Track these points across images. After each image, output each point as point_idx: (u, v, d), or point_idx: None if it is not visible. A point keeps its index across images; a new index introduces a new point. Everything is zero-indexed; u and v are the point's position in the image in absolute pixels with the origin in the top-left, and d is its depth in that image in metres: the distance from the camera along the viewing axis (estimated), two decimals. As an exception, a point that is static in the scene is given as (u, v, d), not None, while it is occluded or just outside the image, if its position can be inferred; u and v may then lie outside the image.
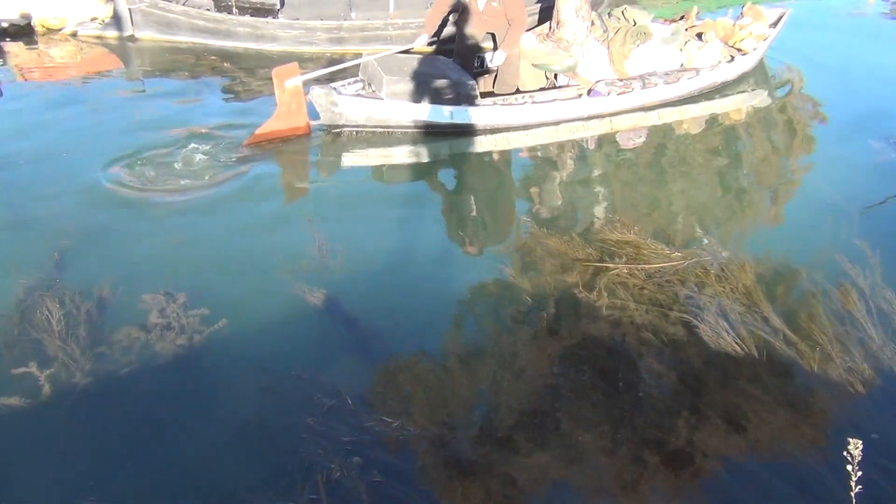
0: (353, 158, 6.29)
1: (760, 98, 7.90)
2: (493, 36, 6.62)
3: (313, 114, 6.38)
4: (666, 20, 7.73)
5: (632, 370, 3.85)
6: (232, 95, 7.42)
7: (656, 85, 7.08)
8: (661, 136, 6.94)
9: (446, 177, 6.19)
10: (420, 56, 6.78)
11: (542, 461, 3.30)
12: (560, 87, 7.04)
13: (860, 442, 2.27)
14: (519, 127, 6.73)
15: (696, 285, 4.47)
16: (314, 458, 3.22)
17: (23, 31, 8.56)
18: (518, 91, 6.85)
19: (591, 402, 3.65)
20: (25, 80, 7.56)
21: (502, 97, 6.70)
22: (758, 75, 8.27)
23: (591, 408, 3.61)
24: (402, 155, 6.39)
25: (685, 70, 7.30)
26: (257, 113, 6.67)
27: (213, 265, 4.59)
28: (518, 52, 6.71)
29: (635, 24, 7.19)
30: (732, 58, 7.59)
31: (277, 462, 3.22)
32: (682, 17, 7.88)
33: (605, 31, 7.16)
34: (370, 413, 3.47)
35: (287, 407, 3.51)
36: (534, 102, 6.70)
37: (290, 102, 6.21)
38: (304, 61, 8.18)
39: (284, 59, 8.01)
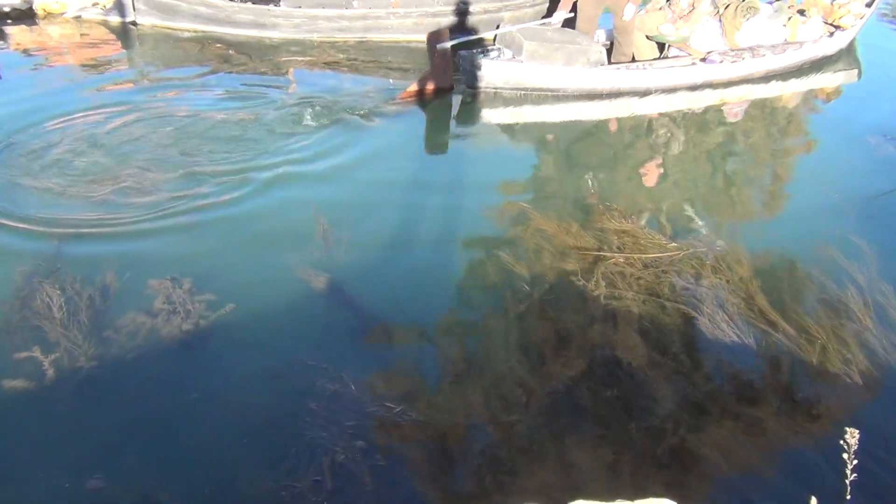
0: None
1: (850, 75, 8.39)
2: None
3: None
4: None
5: (630, 360, 3.90)
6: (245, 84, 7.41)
7: (765, 55, 7.68)
8: (718, 120, 7.13)
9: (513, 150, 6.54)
10: (552, 27, 7.49)
11: (542, 448, 3.35)
12: (673, 56, 7.66)
13: (857, 431, 2.32)
14: (637, 92, 7.36)
15: (692, 276, 4.52)
16: (318, 442, 3.26)
17: (24, 15, 8.57)
18: (634, 60, 7.54)
19: (589, 390, 3.71)
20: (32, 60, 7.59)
21: (631, 62, 7.48)
22: (851, 52, 8.80)
23: (591, 395, 3.67)
24: (513, 116, 7.06)
25: (790, 43, 7.90)
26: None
27: (228, 246, 4.69)
28: (633, 23, 7.34)
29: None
30: (832, 33, 8.15)
31: (282, 445, 3.27)
32: None
33: (714, 6, 7.64)
34: (373, 399, 3.52)
35: (292, 392, 3.55)
36: (653, 68, 7.39)
37: (439, 64, 7.01)
38: (306, 49, 8.22)
39: (286, 46, 8.07)
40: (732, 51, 7.63)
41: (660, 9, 7.50)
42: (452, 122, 7.07)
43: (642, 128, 7.16)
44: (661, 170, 6.30)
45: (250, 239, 4.80)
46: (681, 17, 7.38)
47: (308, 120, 6.33)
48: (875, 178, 5.96)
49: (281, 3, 8.51)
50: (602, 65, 7.23)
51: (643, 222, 5.13)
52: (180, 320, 3.96)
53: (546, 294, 4.40)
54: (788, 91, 7.93)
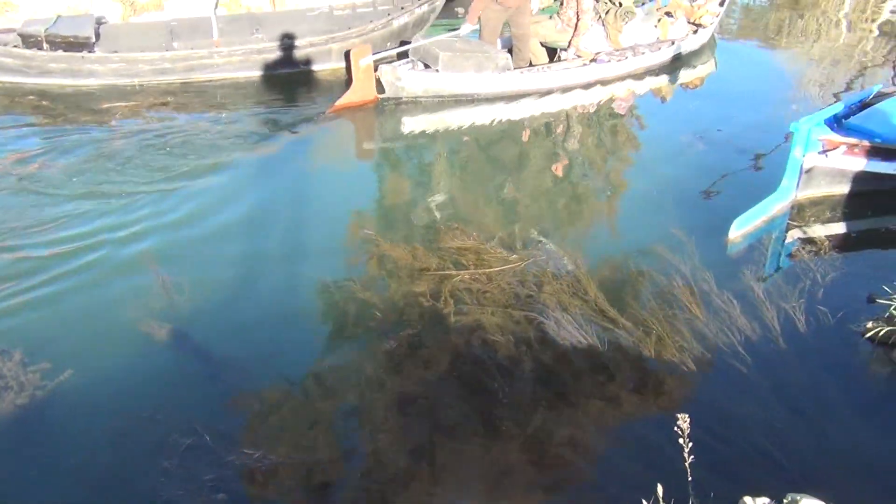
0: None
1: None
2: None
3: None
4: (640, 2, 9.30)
5: (486, 373, 3.99)
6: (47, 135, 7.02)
7: (644, 53, 8.68)
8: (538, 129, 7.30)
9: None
10: (461, 39, 8.05)
11: (410, 475, 3.37)
12: (568, 58, 8.38)
13: (687, 416, 2.50)
14: (540, 92, 8.12)
15: (535, 284, 4.70)
16: (176, 501, 3.14)
17: None
18: (531, 65, 8.22)
19: (450, 406, 3.78)
20: None
21: (528, 67, 8.18)
22: (711, 46, 9.95)
23: (453, 410, 3.74)
24: (418, 124, 7.39)
25: (663, 41, 8.95)
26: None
27: (61, 309, 4.42)
28: (530, 31, 8.11)
29: (621, 5, 8.66)
30: (696, 31, 9.27)
31: (136, 510, 3.12)
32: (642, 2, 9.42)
33: (596, 12, 8.55)
34: (230, 447, 3.42)
35: (143, 451, 3.40)
36: (552, 70, 8.14)
37: (363, 79, 7.52)
38: (128, 95, 7.92)
39: (105, 93, 7.75)
40: (617, 51, 8.62)
41: (549, 18, 8.44)
42: (329, 144, 7.18)
43: (506, 136, 7.45)
44: (508, 181, 6.50)
45: (85, 298, 4.55)
46: (569, 25, 8.24)
47: (136, 167, 6.11)
48: (688, 175, 6.42)
49: (95, 48, 8.13)
50: (508, 70, 7.91)
51: (485, 237, 5.27)
52: (13, 395, 3.70)
53: (398, 318, 4.43)
54: (665, 83, 8.90)
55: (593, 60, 8.32)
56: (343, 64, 8.37)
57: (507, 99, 8.03)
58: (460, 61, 7.71)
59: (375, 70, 7.64)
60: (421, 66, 7.85)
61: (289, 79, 8.38)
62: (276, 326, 4.41)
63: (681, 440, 2.49)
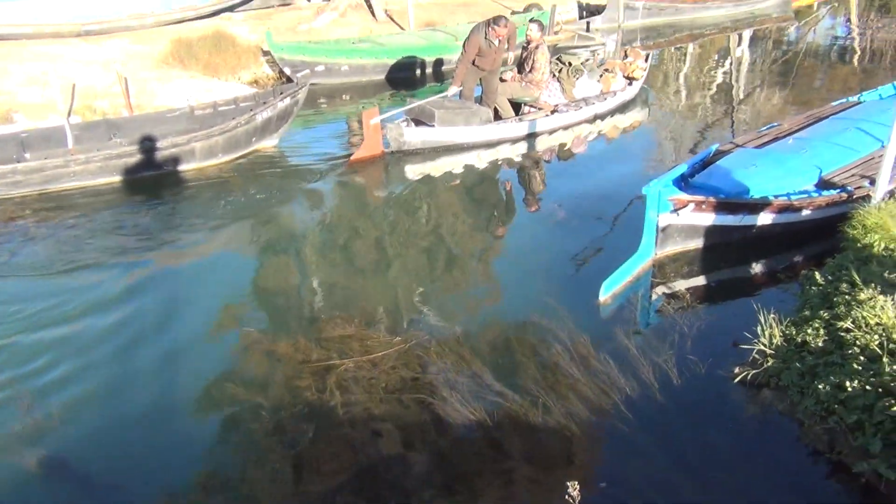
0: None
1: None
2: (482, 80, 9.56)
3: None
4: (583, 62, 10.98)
5: (379, 464, 3.96)
6: None
7: (594, 103, 10.37)
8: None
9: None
10: (448, 98, 9.45)
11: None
12: (531, 111, 9.87)
13: (577, 483, 2.57)
14: (518, 139, 9.58)
15: (420, 366, 4.73)
16: None
17: None
18: (500, 117, 9.66)
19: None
20: None
21: (501, 120, 9.62)
22: (642, 95, 11.69)
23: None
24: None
25: (606, 93, 10.72)
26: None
27: None
28: (498, 89, 9.56)
29: (570, 65, 10.43)
30: (631, 83, 11.10)
31: None
32: (587, 60, 11.36)
33: (551, 71, 10.08)
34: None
35: None
36: (526, 120, 9.62)
37: (371, 136, 8.76)
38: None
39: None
40: (572, 102, 10.26)
41: (514, 78, 9.80)
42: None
43: (397, 207, 7.43)
44: (389, 259, 6.55)
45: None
46: (532, 83, 9.67)
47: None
48: (559, 240, 6.69)
49: (-62, 166, 7.71)
50: (490, 122, 9.33)
51: (366, 322, 5.28)
52: None
53: (284, 416, 4.34)
54: (607, 126, 10.46)
55: (555, 111, 9.88)
56: (208, 162, 8.50)
57: (487, 146, 9.37)
58: (452, 117, 9.09)
59: (382, 127, 8.87)
60: (412, 123, 9.14)
61: (152, 181, 8.21)
62: (154, 437, 4.23)
63: (573, 506, 2.54)
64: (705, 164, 6.68)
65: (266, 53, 12.73)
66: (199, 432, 4.30)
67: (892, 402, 3.61)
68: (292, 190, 8.06)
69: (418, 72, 13.34)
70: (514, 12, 16.21)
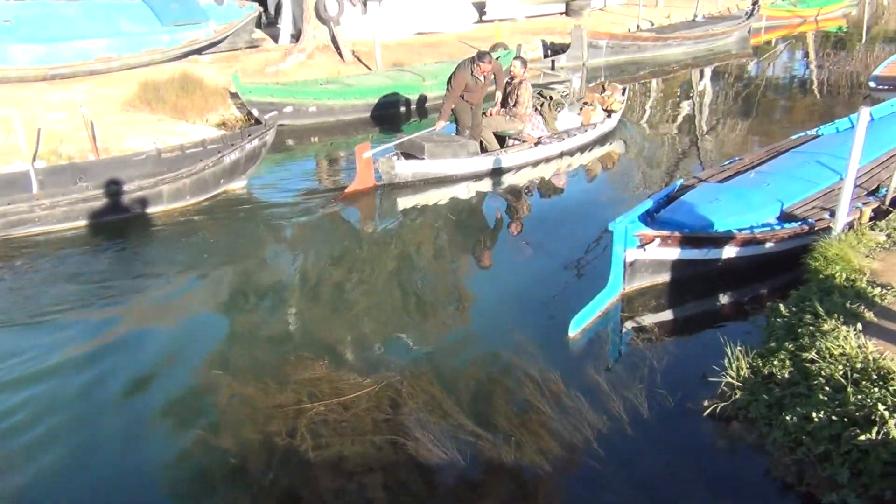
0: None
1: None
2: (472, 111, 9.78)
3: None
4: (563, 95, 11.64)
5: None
6: None
7: (575, 135, 10.79)
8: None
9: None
10: (437, 133, 9.72)
11: None
12: (515, 143, 10.19)
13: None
14: (505, 170, 9.87)
15: (391, 407, 4.70)
16: None
17: None
18: (485, 150, 9.95)
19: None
20: None
21: (487, 152, 9.89)
22: (621, 127, 12.16)
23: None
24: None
25: (587, 125, 11.11)
26: None
27: None
28: (482, 122, 9.86)
29: (552, 98, 10.94)
30: (609, 115, 11.54)
31: None
32: (567, 94, 12.11)
33: (533, 105, 10.47)
34: None
35: None
36: (512, 153, 9.94)
37: (363, 170, 9.03)
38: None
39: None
40: (555, 134, 10.63)
41: (498, 112, 10.16)
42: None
43: (374, 244, 7.38)
44: (359, 298, 6.51)
45: None
46: (516, 117, 10.06)
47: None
48: (530, 277, 6.73)
49: None
50: (477, 154, 9.68)
51: (336, 364, 5.24)
52: None
53: (255, 463, 4.28)
54: (587, 158, 10.88)
55: (538, 143, 10.25)
56: (176, 204, 8.52)
57: (475, 178, 9.68)
58: (441, 150, 9.42)
59: (374, 162, 9.13)
60: (402, 157, 9.43)
61: (119, 225, 8.14)
62: (120, 484, 4.16)
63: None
64: (670, 199, 6.79)
65: (234, 95, 12.76)
66: (166, 481, 4.23)
67: (858, 431, 3.67)
68: (261, 230, 8.05)
69: (386, 111, 13.44)
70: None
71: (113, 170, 8.65)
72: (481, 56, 9.47)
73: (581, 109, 11.31)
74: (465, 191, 9.41)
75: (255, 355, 5.57)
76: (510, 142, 10.26)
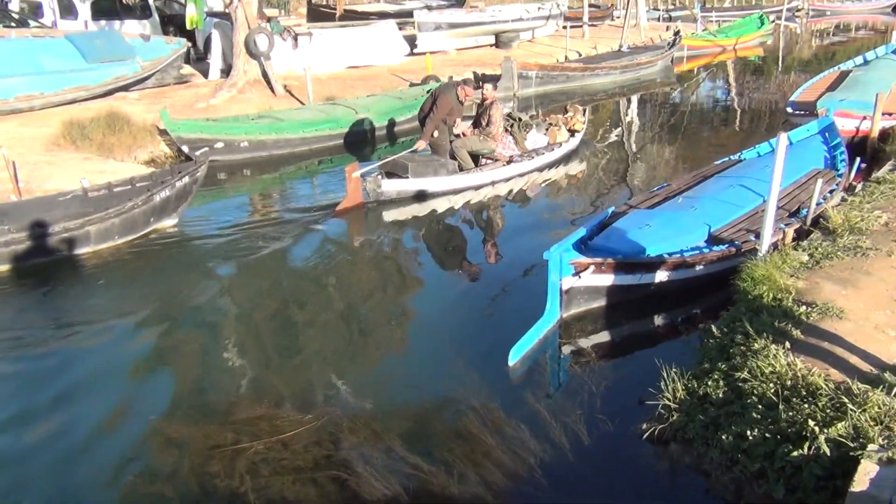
0: None
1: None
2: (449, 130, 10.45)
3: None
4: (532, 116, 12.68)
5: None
6: None
7: (544, 153, 11.45)
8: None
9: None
10: (418, 153, 10.39)
11: None
12: (488, 162, 10.75)
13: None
14: (481, 186, 10.52)
15: (332, 442, 4.64)
16: None
17: None
18: (461, 169, 10.52)
19: None
20: None
21: (465, 170, 10.48)
22: (584, 146, 12.99)
23: None
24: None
25: (554, 144, 11.87)
26: None
27: None
28: (445, 138, 10.35)
29: (521, 120, 11.74)
30: (573, 135, 12.32)
31: None
32: (532, 115, 13.10)
33: (503, 126, 11.04)
34: None
35: None
36: (487, 171, 10.58)
37: (353, 189, 9.59)
38: None
39: None
40: (525, 153, 11.33)
41: (472, 133, 10.67)
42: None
43: (308, 278, 7.25)
44: (296, 333, 6.41)
45: None
46: (489, 136, 10.56)
47: None
48: (467, 307, 6.75)
49: None
50: (456, 173, 10.26)
51: (275, 401, 5.15)
52: None
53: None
54: (554, 174, 11.57)
55: (510, 161, 10.89)
56: (104, 245, 8.33)
57: (453, 193, 10.23)
58: (423, 169, 10.03)
59: (362, 180, 9.62)
60: (384, 176, 9.97)
61: (45, 268, 7.88)
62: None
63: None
64: (602, 226, 6.92)
65: (163, 132, 12.54)
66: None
67: (791, 447, 3.76)
68: (193, 268, 7.89)
69: (321, 144, 13.40)
70: (412, 84, 16.60)
71: (37, 211, 8.37)
72: (466, 81, 10.76)
73: (547, 129, 12.17)
74: (429, 209, 9.85)
75: (191, 397, 5.44)
76: (483, 161, 10.80)
